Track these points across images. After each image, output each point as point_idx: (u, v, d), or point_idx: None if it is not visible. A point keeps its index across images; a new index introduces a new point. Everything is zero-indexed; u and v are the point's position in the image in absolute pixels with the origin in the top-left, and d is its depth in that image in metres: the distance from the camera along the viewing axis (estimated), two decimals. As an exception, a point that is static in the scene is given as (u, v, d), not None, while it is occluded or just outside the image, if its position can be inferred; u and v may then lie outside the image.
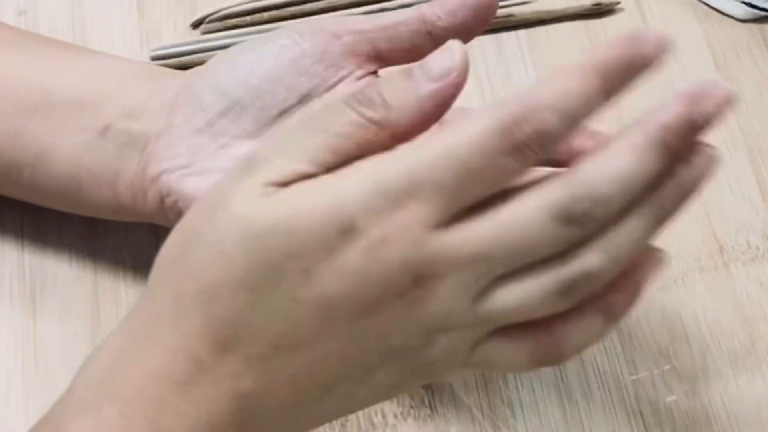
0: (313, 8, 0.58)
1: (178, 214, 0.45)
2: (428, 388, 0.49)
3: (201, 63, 0.48)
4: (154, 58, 0.57)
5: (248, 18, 0.58)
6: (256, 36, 0.57)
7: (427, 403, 0.49)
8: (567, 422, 0.49)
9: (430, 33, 0.44)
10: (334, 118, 0.35)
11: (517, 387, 0.49)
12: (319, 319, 0.35)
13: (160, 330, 0.36)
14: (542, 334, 0.36)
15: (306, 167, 0.35)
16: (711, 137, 0.55)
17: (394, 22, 0.45)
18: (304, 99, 0.45)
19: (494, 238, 0.34)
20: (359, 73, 0.46)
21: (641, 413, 0.49)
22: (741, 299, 0.52)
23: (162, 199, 0.46)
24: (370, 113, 0.35)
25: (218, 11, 0.58)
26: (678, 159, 0.35)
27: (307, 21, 0.46)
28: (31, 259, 0.51)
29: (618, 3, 0.59)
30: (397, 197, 0.34)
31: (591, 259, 0.34)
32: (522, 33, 0.59)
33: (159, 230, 0.52)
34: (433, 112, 0.35)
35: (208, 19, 0.58)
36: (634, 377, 0.50)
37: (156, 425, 0.35)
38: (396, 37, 0.45)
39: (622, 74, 0.34)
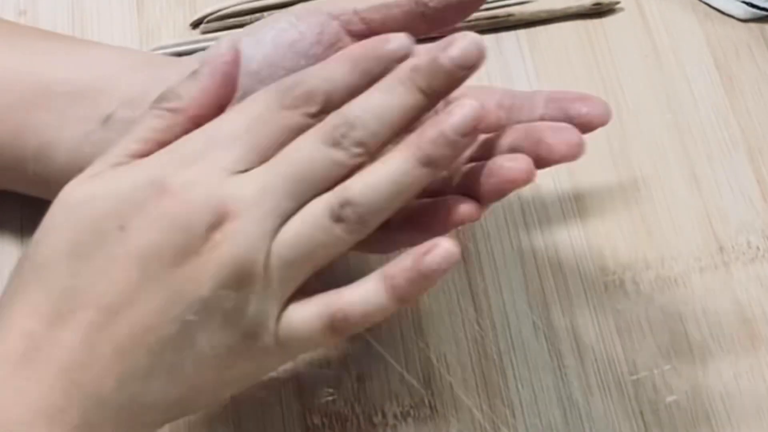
0: (312, 8, 0.58)
1: None
2: (427, 387, 0.49)
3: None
4: (154, 58, 0.56)
5: (248, 17, 0.58)
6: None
7: (427, 403, 0.49)
8: (567, 422, 0.49)
9: (423, 13, 0.44)
10: (142, 117, 0.41)
11: (517, 387, 0.49)
12: (136, 272, 0.38)
13: (1, 313, 0.39)
14: (331, 295, 0.39)
15: (120, 159, 0.40)
16: (710, 136, 0.56)
17: (388, 2, 0.45)
18: None
19: (275, 171, 0.39)
20: None
21: (641, 413, 0.49)
22: (741, 299, 0.52)
23: None
24: (164, 104, 0.41)
25: (218, 11, 0.58)
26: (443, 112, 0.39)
27: (303, 4, 0.46)
28: (31, 258, 0.51)
29: (618, 2, 0.59)
30: (198, 153, 0.39)
31: (352, 187, 0.39)
32: (522, 33, 0.59)
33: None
34: (217, 90, 0.41)
35: (207, 19, 0.58)
36: (634, 377, 0.50)
37: None
38: (390, 17, 0.45)
39: (370, 60, 0.40)
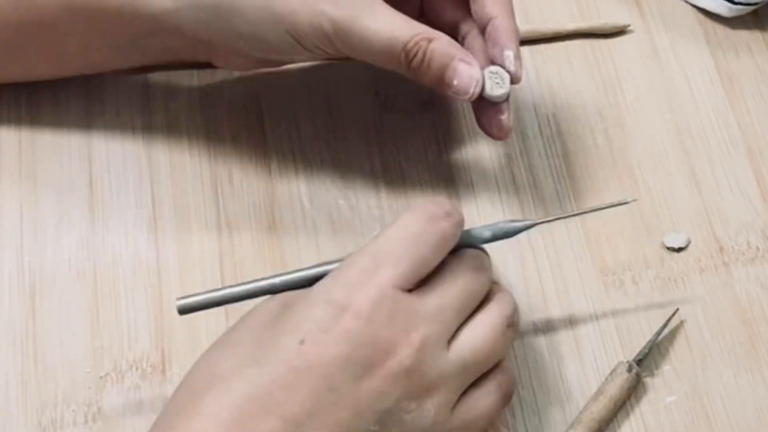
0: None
1: None
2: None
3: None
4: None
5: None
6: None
7: (426, 403, 0.49)
8: (567, 422, 0.49)
9: None
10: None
11: (517, 387, 0.49)
12: (318, 385, 0.39)
13: (176, 423, 0.40)
14: (498, 373, 0.44)
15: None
16: (710, 136, 0.56)
17: None
18: None
19: (446, 287, 0.43)
20: None
21: (641, 413, 0.49)
22: (741, 299, 0.52)
23: None
24: None
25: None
26: None
27: None
28: (31, 259, 0.51)
29: (627, 25, 0.59)
30: (367, 270, 0.41)
31: (511, 299, 0.45)
32: (525, 49, 0.58)
33: (158, 231, 0.52)
34: None
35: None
36: (634, 377, 0.50)
37: None
38: None
39: None
